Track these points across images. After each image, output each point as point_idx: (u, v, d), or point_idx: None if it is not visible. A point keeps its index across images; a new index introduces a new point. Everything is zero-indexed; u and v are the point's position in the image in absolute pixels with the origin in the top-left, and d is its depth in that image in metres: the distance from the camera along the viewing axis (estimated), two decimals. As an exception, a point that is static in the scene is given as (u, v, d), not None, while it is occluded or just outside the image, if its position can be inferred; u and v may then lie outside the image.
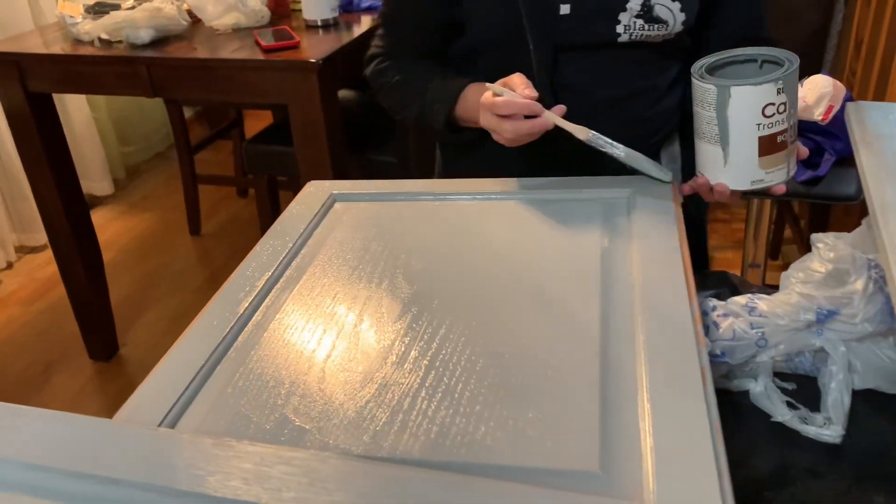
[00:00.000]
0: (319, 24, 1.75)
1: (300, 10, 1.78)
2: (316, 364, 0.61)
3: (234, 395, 0.59)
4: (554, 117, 0.82)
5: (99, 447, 0.50)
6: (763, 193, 0.79)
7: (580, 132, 0.82)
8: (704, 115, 0.76)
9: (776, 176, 0.77)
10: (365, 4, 1.85)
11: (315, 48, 1.61)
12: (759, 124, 0.74)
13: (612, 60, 0.96)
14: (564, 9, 0.93)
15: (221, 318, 0.67)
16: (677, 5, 0.91)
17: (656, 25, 0.92)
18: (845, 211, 1.84)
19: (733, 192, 0.78)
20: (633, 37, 0.93)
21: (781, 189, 0.78)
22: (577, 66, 0.97)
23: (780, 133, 0.74)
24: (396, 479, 0.45)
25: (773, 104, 0.73)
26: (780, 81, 0.72)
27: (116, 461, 0.48)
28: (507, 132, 0.82)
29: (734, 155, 0.76)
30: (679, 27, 0.93)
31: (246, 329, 0.67)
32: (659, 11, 0.92)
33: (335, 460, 0.47)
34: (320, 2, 1.73)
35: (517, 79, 0.84)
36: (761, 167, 0.76)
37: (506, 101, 0.82)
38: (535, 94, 0.81)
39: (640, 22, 0.92)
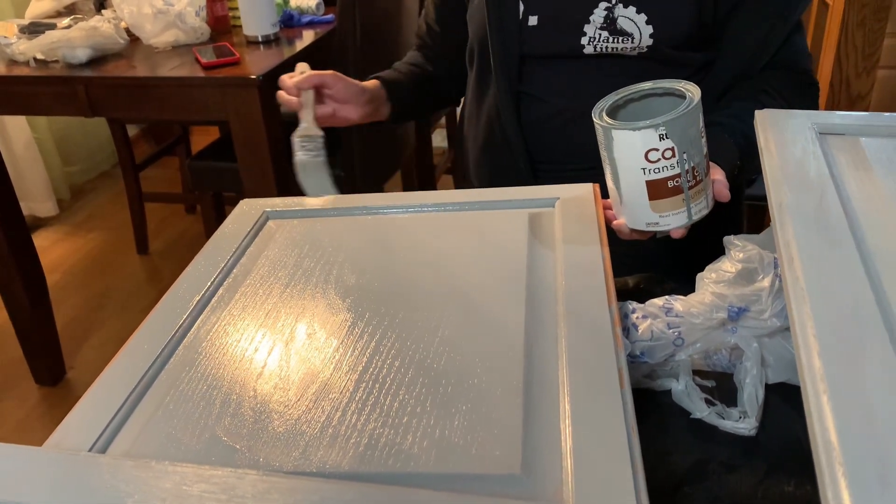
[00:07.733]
0: (260, 39, 1.75)
1: (241, 27, 1.78)
2: (248, 382, 0.62)
3: (164, 417, 0.59)
4: (305, 103, 0.98)
5: (18, 474, 0.50)
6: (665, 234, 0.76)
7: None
8: (601, 153, 0.74)
9: (673, 220, 0.73)
10: (306, 20, 1.86)
11: (256, 64, 1.62)
12: (643, 168, 0.70)
13: (581, 72, 0.98)
14: (532, 20, 0.96)
15: (152, 341, 0.67)
16: (643, 18, 0.91)
17: (621, 38, 0.93)
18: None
19: (632, 230, 0.77)
20: (598, 49, 0.94)
21: (679, 233, 0.75)
22: (542, 76, 0.99)
23: (672, 178, 0.70)
24: (315, 492, 0.46)
25: (657, 150, 0.68)
26: (662, 127, 0.67)
27: (34, 487, 0.48)
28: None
29: (626, 196, 0.74)
30: (648, 41, 0.92)
31: (178, 351, 0.67)
32: (623, 24, 0.92)
33: (254, 476, 0.48)
34: (260, 18, 1.73)
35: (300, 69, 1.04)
36: (654, 210, 0.73)
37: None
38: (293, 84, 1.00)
39: (604, 34, 0.93)
